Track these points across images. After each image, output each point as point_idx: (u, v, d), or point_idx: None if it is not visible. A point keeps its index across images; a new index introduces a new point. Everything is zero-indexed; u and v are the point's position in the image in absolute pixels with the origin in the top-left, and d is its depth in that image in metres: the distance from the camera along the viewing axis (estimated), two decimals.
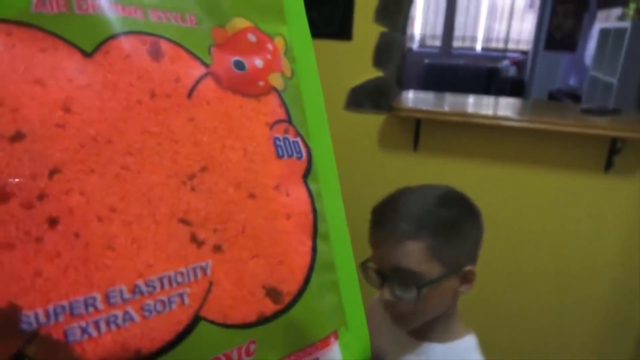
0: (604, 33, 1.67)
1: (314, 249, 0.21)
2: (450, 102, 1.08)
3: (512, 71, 2.88)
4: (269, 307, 0.19)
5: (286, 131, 0.21)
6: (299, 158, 0.21)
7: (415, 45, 2.95)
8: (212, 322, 0.17)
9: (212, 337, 0.17)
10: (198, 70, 0.19)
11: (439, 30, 2.94)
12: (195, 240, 0.17)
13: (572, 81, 2.09)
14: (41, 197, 0.15)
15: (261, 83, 0.20)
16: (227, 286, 0.18)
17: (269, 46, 0.21)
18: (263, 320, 0.18)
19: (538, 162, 0.99)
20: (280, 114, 0.21)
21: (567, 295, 1.02)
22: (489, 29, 3.05)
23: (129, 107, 0.17)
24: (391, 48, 1.00)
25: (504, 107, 1.06)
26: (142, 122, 0.17)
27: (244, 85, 0.20)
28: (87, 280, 0.15)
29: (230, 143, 0.19)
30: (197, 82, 0.19)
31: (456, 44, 2.98)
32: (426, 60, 2.80)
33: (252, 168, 0.19)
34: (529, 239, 1.02)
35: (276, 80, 0.21)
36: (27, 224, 0.15)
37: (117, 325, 0.15)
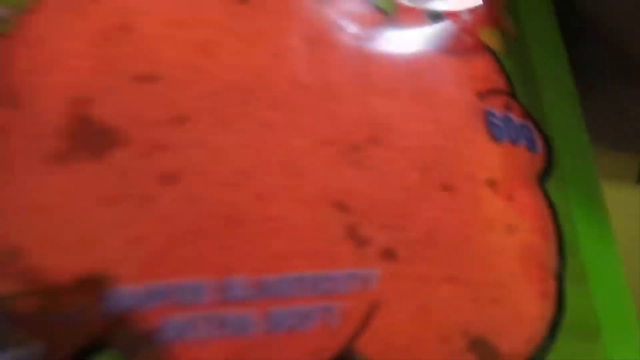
0: None
1: (561, 295, 0.12)
2: None
3: None
4: None
5: (507, 107, 0.14)
6: (530, 149, 0.14)
7: None
8: None
9: None
10: (376, 18, 0.14)
11: None
12: (354, 236, 0.11)
13: None
14: (160, 147, 0.11)
15: (467, 38, 0.15)
16: (402, 315, 0.11)
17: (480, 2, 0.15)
18: None
19: None
20: (498, 82, 0.14)
21: None
22: None
23: (278, 53, 0.13)
24: None
25: None
26: (293, 73, 0.13)
27: (441, 38, 0.14)
28: (200, 260, 0.11)
29: (418, 110, 0.13)
30: (375, 31, 0.14)
31: None
32: None
33: (449, 147, 0.13)
34: None
35: (491, 38, 0.15)
36: (138, 176, 0.11)
37: (228, 332, 0.10)
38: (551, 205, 0.14)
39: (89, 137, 0.11)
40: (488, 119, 0.14)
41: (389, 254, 0.12)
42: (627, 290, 0.14)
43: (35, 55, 0.12)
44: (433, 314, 0.11)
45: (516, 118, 0.14)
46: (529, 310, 0.12)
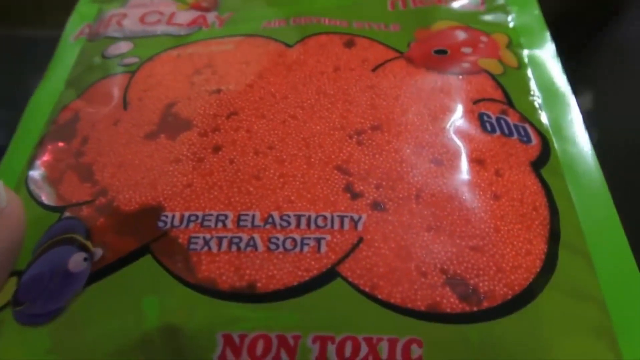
0: None
1: (551, 257, 0.14)
2: None
3: None
4: (451, 301, 0.12)
5: (503, 112, 0.17)
6: (524, 142, 0.16)
7: None
8: (354, 285, 0.13)
9: (351, 306, 0.12)
10: (390, 54, 0.19)
11: None
12: (349, 190, 0.14)
13: None
14: (214, 130, 0.16)
15: (466, 65, 0.18)
16: (384, 250, 0.13)
17: (483, 38, 0.19)
18: (438, 316, 0.12)
19: None
20: (493, 94, 0.17)
21: None
22: None
23: (310, 75, 0.18)
24: None
25: None
26: (320, 86, 0.17)
27: (442, 64, 0.18)
28: (226, 199, 0.14)
29: (416, 109, 0.16)
30: (386, 61, 0.18)
31: None
32: None
33: (440, 134, 0.16)
34: None
35: (490, 65, 0.18)
36: (196, 147, 0.15)
37: (238, 248, 0.13)
38: (545, 186, 0.15)
39: (170, 124, 0.16)
40: (481, 118, 0.16)
41: (377, 206, 0.14)
42: (634, 266, 0.14)
43: (147, 80, 0.18)
44: (413, 252, 0.13)
45: (512, 120, 0.17)
46: (510, 261, 0.13)
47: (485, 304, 0.13)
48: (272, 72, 0.18)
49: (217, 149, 0.16)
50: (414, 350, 0.12)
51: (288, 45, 0.19)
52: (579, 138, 0.17)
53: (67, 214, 0.15)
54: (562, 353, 0.12)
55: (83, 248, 0.14)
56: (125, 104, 0.17)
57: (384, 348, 0.12)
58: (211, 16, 0.21)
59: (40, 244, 0.15)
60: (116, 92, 0.18)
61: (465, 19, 0.20)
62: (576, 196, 0.15)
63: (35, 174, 0.16)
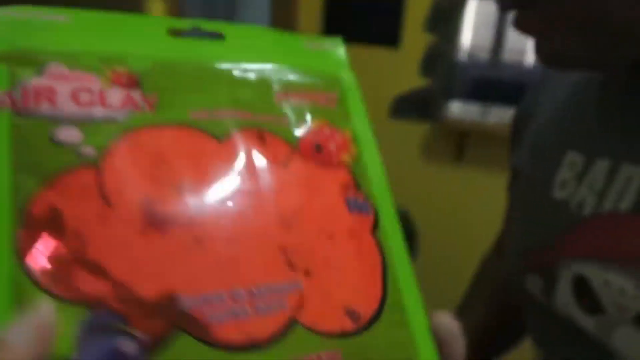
0: None
1: (384, 291, 0.26)
2: (496, 115, 1.05)
3: None
4: (349, 324, 0.24)
5: (356, 195, 0.28)
6: (367, 214, 0.28)
7: (463, 57, 2.66)
8: (304, 326, 0.23)
9: (304, 338, 0.23)
10: (289, 150, 0.27)
11: (488, 41, 2.73)
12: (289, 265, 0.24)
13: None
14: (190, 224, 0.22)
15: (334, 160, 0.28)
16: (317, 301, 0.24)
17: (339, 135, 0.29)
18: (344, 334, 0.24)
19: None
20: (350, 181, 0.28)
21: None
22: None
23: (243, 173, 0.25)
24: (439, 57, 1.00)
25: None
26: (252, 184, 0.25)
27: (321, 160, 0.28)
28: (219, 281, 0.22)
29: (313, 199, 0.26)
30: (288, 156, 0.27)
31: (505, 56, 2.73)
32: (474, 72, 2.62)
33: (329, 218, 0.26)
34: None
35: (346, 159, 0.29)
36: (177, 242, 0.21)
37: (237, 317, 0.22)
38: (379, 245, 0.27)
39: (155, 220, 0.21)
40: (346, 200, 0.28)
41: (307, 273, 0.24)
42: (420, 297, 0.28)
43: (117, 177, 0.22)
44: (331, 300, 0.24)
45: (360, 200, 0.28)
46: (371, 296, 0.26)
47: (362, 321, 0.25)
48: (213, 168, 0.24)
49: (199, 242, 0.22)
50: (339, 358, 0.23)
51: (219, 140, 0.25)
52: (391, 210, 0.29)
53: (94, 307, 0.19)
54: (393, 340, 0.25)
55: (127, 333, 0.19)
56: (106, 200, 0.21)
57: (324, 357, 0.23)
58: (137, 96, 0.25)
59: (82, 339, 0.19)
60: (92, 188, 0.21)
61: (330, 116, 0.30)
62: (393, 250, 0.28)
63: (39, 269, 0.19)
